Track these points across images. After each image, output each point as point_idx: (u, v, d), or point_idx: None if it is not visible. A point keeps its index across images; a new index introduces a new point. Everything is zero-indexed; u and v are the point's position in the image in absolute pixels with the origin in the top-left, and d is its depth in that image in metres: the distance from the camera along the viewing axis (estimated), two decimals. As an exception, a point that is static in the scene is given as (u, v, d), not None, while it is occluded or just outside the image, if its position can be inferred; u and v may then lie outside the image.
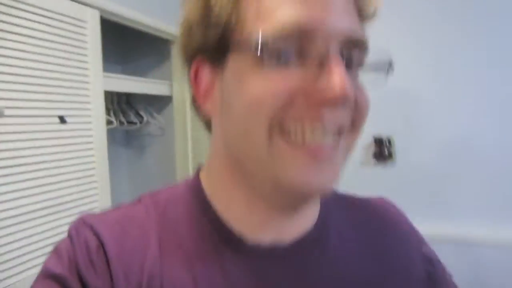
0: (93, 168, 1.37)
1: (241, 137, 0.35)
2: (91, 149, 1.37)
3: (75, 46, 1.31)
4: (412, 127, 1.79)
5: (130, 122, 1.88)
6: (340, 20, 0.34)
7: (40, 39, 1.20)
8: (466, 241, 1.57)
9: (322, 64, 0.33)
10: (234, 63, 0.36)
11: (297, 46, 0.33)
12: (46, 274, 0.37)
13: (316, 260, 0.41)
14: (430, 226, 1.60)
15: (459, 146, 1.65)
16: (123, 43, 2.01)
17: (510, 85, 1.55)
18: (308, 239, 0.42)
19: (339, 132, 0.35)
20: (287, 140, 0.34)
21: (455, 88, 1.67)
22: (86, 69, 1.35)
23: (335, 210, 0.46)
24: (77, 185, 1.31)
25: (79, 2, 1.33)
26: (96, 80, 1.39)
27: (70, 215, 1.27)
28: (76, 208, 1.30)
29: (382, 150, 1.85)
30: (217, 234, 0.40)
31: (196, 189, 0.43)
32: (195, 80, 0.40)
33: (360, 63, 0.36)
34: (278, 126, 0.33)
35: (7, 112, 1.09)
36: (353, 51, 0.35)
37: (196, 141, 1.96)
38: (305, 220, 0.43)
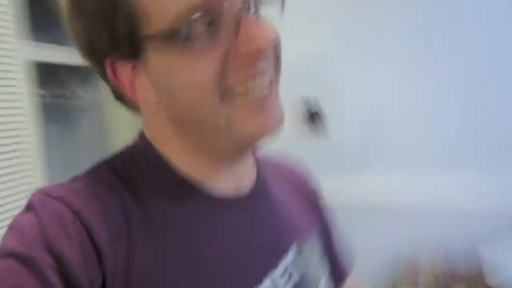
0: (26, 149, 1.29)
1: (194, 114, 0.39)
2: (22, 128, 1.28)
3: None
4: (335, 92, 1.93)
5: (57, 96, 1.76)
6: None
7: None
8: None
9: (238, 22, 0.36)
10: (157, 54, 0.38)
11: (208, 19, 0.35)
12: (6, 254, 0.32)
13: (265, 205, 0.50)
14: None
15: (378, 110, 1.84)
16: (36, 7, 1.84)
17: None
18: (256, 190, 0.49)
19: (270, 79, 0.40)
20: (235, 103, 0.38)
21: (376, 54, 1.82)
22: (7, 35, 1.24)
23: (265, 163, 0.55)
24: (9, 165, 1.23)
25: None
26: (20, 49, 1.28)
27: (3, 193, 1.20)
28: (9, 189, 1.23)
29: (313, 117, 1.97)
30: (182, 189, 0.43)
31: (149, 149, 0.45)
32: (115, 78, 0.41)
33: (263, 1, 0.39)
34: (224, 94, 0.37)
35: None
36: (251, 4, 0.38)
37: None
38: (249, 175, 0.50)
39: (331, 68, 1.93)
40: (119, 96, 0.44)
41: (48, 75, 1.74)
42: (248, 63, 0.37)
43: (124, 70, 0.40)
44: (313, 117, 1.97)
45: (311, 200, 0.60)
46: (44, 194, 0.37)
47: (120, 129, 1.91)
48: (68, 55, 1.68)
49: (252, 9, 0.37)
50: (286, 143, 1.85)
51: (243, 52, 0.36)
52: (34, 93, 1.36)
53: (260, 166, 0.53)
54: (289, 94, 1.86)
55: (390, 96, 1.78)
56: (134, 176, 0.42)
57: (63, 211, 0.35)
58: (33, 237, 0.33)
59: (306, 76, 1.95)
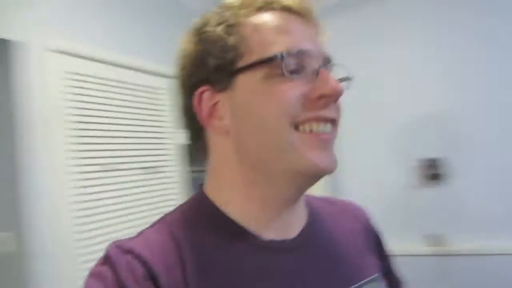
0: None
1: (265, 137, 0.44)
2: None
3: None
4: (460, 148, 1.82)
5: (199, 171, 2.09)
6: (320, 46, 0.46)
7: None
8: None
9: (315, 75, 0.44)
10: (247, 81, 0.44)
11: (299, 62, 0.43)
12: None
13: (316, 247, 0.50)
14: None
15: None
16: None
17: None
18: (306, 233, 0.50)
19: (333, 124, 0.45)
20: (302, 133, 0.43)
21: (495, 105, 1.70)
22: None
23: (318, 206, 0.56)
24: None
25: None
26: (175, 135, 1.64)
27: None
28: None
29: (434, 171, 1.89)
30: (235, 235, 0.46)
31: (207, 203, 0.48)
32: (198, 104, 0.47)
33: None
34: (295, 123, 0.43)
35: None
36: (330, 66, 0.47)
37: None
38: (301, 219, 0.51)
39: (461, 125, 1.86)
40: (189, 125, 0.50)
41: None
42: (318, 106, 0.43)
43: (207, 99, 0.47)
44: (436, 177, 1.89)
45: (371, 241, 0.58)
46: (117, 247, 0.43)
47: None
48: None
49: (329, 67, 0.46)
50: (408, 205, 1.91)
51: (318, 93, 0.43)
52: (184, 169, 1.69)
53: (312, 207, 0.54)
54: (412, 153, 1.97)
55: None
56: (192, 228, 0.46)
57: (135, 264, 0.41)
58: (112, 285, 0.39)
59: (434, 135, 1.92)
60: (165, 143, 1.63)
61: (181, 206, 0.51)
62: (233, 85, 0.45)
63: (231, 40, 0.45)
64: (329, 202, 0.60)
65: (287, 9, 0.46)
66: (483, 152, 1.77)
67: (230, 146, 0.46)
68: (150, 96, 1.60)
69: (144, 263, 0.40)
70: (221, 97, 0.46)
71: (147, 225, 0.48)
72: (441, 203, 1.84)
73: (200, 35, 0.47)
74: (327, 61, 0.46)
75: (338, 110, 0.46)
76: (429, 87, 1.92)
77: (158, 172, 1.57)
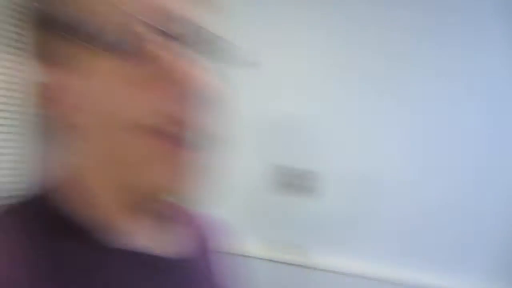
0: None
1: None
2: None
3: None
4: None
5: None
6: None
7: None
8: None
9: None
10: None
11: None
12: None
13: (186, 273, 0.45)
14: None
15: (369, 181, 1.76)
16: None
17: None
18: (183, 254, 0.45)
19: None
20: (145, 140, 0.35)
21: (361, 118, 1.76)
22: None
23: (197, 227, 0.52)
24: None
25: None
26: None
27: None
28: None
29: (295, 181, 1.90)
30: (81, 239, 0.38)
31: (48, 208, 0.39)
32: None
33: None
34: (136, 128, 0.35)
35: None
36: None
37: None
38: (177, 237, 0.46)
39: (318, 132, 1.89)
40: None
41: None
42: (157, 103, 0.34)
43: None
44: (300, 187, 1.89)
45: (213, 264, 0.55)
46: None
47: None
48: None
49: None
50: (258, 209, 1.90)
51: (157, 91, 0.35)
52: None
53: (196, 229, 0.51)
54: (267, 160, 1.88)
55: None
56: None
57: None
58: None
59: (289, 141, 1.93)
60: (13, 76, 1.27)
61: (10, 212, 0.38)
62: None
63: None
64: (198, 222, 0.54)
65: None
66: (351, 165, 1.81)
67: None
68: None
69: None
70: None
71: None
72: (305, 213, 1.87)
73: None
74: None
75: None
76: (294, 92, 1.91)
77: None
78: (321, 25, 1.83)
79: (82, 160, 0.39)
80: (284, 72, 1.91)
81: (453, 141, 1.61)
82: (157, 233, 0.43)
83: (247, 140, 1.94)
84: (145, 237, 0.42)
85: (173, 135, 0.34)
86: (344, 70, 1.80)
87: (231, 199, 1.84)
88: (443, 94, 1.62)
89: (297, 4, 1.86)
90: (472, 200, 1.57)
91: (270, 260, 1.83)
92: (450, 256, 1.60)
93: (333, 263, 1.74)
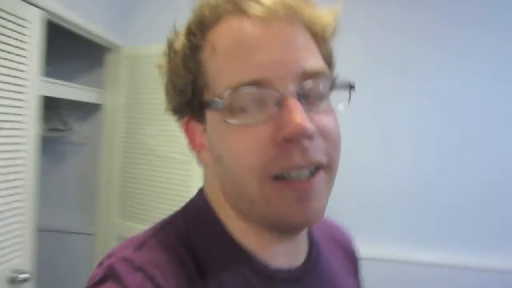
0: (21, 179, 1.26)
1: (235, 185, 0.39)
2: (21, 157, 1.25)
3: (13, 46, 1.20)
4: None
5: (53, 129, 1.74)
6: (291, 62, 0.37)
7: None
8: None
9: (280, 105, 0.36)
10: (212, 119, 0.40)
11: (255, 97, 0.36)
12: None
13: (318, 280, 0.47)
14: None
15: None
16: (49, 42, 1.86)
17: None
18: (310, 262, 0.47)
19: (317, 167, 0.38)
20: (276, 183, 0.37)
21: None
22: (23, 71, 1.24)
23: (316, 230, 0.53)
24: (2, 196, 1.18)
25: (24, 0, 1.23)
26: (33, 84, 1.28)
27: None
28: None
29: None
30: (246, 263, 0.42)
31: (208, 212, 0.44)
32: (187, 132, 0.44)
33: (325, 91, 0.39)
34: (263, 173, 0.36)
35: None
36: (313, 82, 0.38)
37: (127, 150, 1.90)
38: (303, 245, 0.47)
39: None
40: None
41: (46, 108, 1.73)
42: (291, 149, 0.36)
43: (194, 127, 0.43)
44: None
45: (354, 261, 0.59)
46: (126, 262, 0.37)
47: (112, 167, 1.89)
48: (71, 91, 1.69)
49: (297, 96, 0.36)
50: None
51: (281, 135, 0.35)
52: (38, 126, 1.35)
53: (311, 232, 0.50)
54: None
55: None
56: (197, 245, 0.42)
57: (145, 285, 0.35)
58: None
59: None
60: (23, 92, 1.25)
61: (182, 213, 0.45)
62: (205, 118, 0.41)
63: (192, 67, 0.40)
64: (322, 224, 0.53)
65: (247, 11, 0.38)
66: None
67: (216, 181, 0.43)
68: (8, 26, 1.19)
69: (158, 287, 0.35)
70: (203, 130, 0.43)
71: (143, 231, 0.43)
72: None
73: (169, 55, 0.43)
74: (306, 76, 0.37)
75: (328, 141, 0.38)
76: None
77: (5, 128, 1.20)
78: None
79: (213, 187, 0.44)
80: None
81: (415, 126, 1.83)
82: (291, 247, 0.45)
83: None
84: (281, 254, 0.44)
85: (300, 178, 0.37)
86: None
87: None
88: (405, 87, 1.83)
89: None
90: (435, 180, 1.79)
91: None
92: (416, 229, 1.79)
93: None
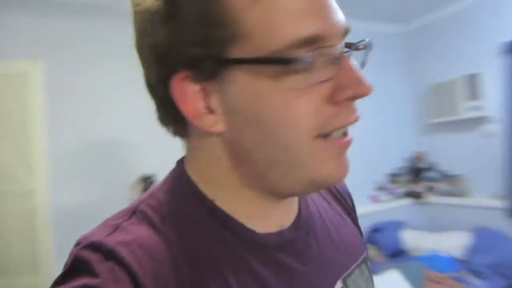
0: None
1: (277, 151, 0.36)
2: None
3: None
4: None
5: None
6: (341, 20, 0.36)
7: None
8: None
9: (336, 63, 0.35)
10: (244, 77, 0.35)
11: (319, 54, 0.34)
12: None
13: (311, 237, 0.45)
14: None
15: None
16: None
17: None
18: (301, 220, 0.45)
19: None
20: (324, 142, 0.37)
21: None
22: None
23: None
24: None
25: None
26: None
27: None
28: None
29: (147, 186, 2.23)
30: (233, 234, 0.40)
31: (193, 191, 0.41)
32: (177, 93, 0.37)
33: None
34: (317, 133, 0.36)
35: None
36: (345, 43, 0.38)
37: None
38: (293, 205, 0.46)
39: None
40: (166, 116, 0.41)
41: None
42: (345, 110, 0.36)
43: (192, 90, 0.37)
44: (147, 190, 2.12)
45: (349, 205, 0.57)
46: (94, 248, 0.34)
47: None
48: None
49: (351, 55, 0.37)
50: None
51: (348, 95, 0.35)
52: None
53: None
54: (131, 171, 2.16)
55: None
56: (180, 223, 0.39)
57: (120, 273, 0.33)
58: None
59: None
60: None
61: (158, 189, 0.42)
62: (225, 76, 0.36)
63: (217, 9, 0.34)
64: None
65: None
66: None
67: (222, 148, 0.39)
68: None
69: (131, 274, 0.33)
70: (209, 86, 0.37)
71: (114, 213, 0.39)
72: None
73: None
74: (345, 35, 0.37)
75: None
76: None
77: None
78: None
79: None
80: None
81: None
82: (286, 208, 0.44)
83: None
84: (276, 218, 0.43)
85: (339, 136, 0.38)
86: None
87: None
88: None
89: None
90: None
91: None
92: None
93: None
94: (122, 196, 2.23)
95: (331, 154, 0.37)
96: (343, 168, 0.39)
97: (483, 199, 2.74)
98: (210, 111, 0.37)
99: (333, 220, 0.51)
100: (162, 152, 2.21)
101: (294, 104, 0.35)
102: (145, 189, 2.25)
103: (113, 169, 2.31)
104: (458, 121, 2.72)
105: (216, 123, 0.37)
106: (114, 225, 0.37)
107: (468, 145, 2.80)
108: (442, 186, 3.00)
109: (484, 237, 2.51)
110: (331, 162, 0.38)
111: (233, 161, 0.39)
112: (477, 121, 2.74)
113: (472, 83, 2.69)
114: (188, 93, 0.37)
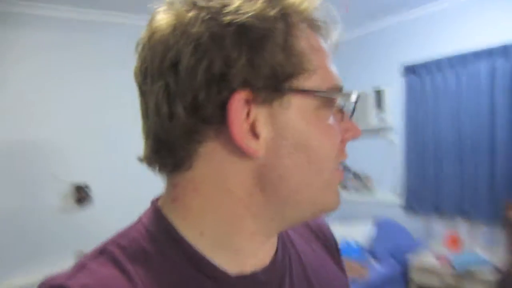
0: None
1: (312, 174, 0.40)
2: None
3: None
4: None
5: None
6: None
7: None
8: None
9: (341, 112, 0.43)
10: (301, 105, 0.38)
11: (341, 101, 0.43)
12: None
13: (287, 278, 0.45)
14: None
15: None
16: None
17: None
18: (280, 259, 0.45)
19: None
20: (336, 172, 0.43)
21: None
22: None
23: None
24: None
25: None
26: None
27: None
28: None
29: (82, 196, 2.36)
30: (208, 277, 0.39)
31: (169, 232, 0.40)
32: (233, 113, 0.36)
33: None
34: (336, 163, 0.42)
35: None
36: None
37: None
38: (273, 243, 0.46)
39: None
40: (181, 143, 0.38)
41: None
42: (343, 148, 0.43)
43: (245, 112, 0.36)
44: (82, 200, 2.35)
45: (332, 246, 0.58)
46: None
47: None
48: None
49: (351, 109, 0.44)
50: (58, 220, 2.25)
51: (351, 136, 0.43)
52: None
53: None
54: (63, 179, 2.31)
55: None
56: (146, 271, 0.37)
57: None
58: None
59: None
60: None
61: (131, 228, 0.41)
62: (283, 102, 0.37)
63: (297, 44, 0.38)
64: None
65: (320, 28, 0.41)
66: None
67: (249, 171, 0.38)
68: None
69: None
70: (260, 110, 0.37)
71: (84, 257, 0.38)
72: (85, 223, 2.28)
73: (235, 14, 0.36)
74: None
75: None
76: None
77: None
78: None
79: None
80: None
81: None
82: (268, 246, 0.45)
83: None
84: (259, 255, 0.43)
85: (342, 166, 0.45)
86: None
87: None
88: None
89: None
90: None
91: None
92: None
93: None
94: (52, 203, 2.17)
95: (337, 183, 0.43)
96: (339, 198, 0.44)
97: (385, 195, 3.24)
98: (254, 134, 0.37)
99: (314, 265, 0.51)
100: (93, 161, 2.28)
101: (332, 134, 0.41)
102: (79, 199, 2.21)
103: (41, 173, 2.18)
104: (368, 129, 3.11)
105: (260, 148, 0.37)
106: (81, 264, 0.37)
107: (374, 150, 3.24)
108: (352, 183, 3.45)
109: (385, 228, 2.98)
110: (335, 190, 0.43)
111: (259, 184, 0.39)
112: (382, 130, 3.20)
113: (379, 97, 3.14)
114: (242, 115, 0.36)
